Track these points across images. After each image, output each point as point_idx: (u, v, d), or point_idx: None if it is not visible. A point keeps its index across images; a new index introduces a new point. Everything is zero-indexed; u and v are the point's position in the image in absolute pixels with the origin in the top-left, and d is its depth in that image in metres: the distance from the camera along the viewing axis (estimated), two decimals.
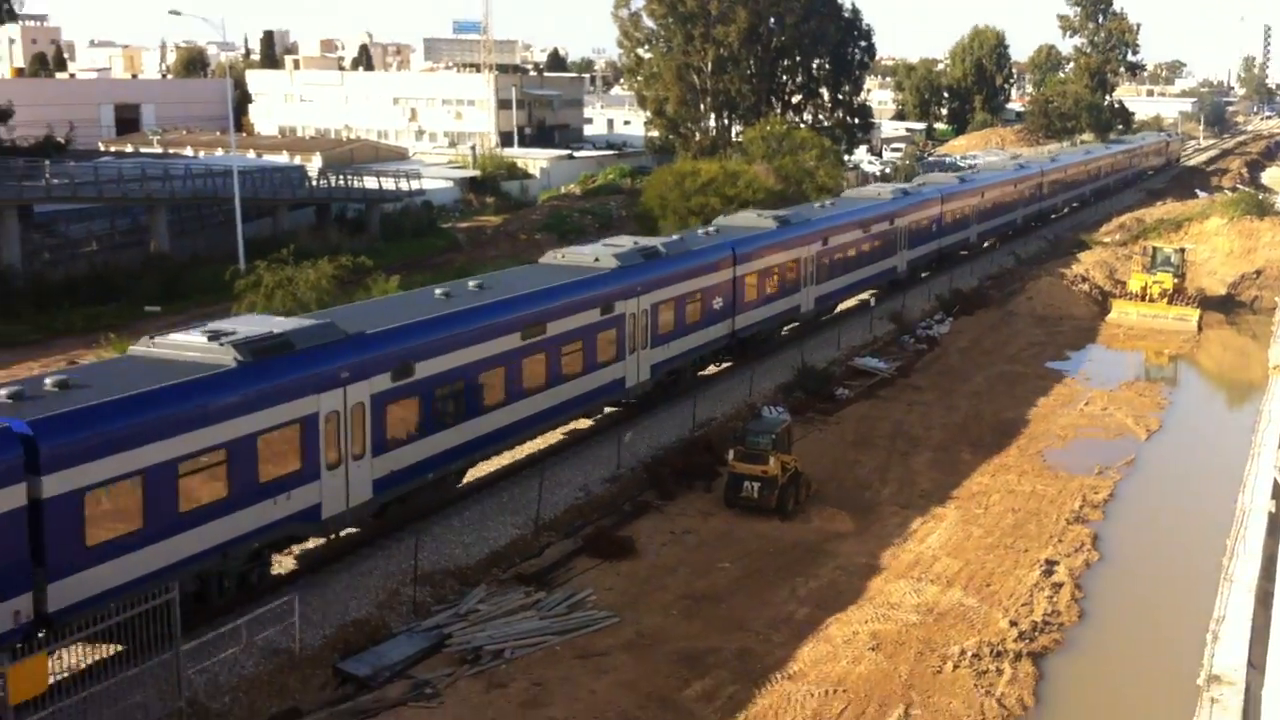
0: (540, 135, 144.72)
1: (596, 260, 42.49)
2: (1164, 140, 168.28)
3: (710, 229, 52.94)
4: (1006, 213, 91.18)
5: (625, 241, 46.14)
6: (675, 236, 51.24)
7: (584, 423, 42.61)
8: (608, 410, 43.49)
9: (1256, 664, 21.13)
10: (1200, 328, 66.74)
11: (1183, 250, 73.98)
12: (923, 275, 74.22)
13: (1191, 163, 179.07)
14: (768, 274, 52.66)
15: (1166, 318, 67.03)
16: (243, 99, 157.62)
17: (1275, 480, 29.22)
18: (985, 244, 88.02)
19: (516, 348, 35.63)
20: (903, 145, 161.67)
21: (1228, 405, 58.26)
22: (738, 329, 50.27)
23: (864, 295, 65.75)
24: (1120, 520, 38.67)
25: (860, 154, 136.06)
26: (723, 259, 49.00)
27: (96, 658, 23.57)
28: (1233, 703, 20.33)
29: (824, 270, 58.40)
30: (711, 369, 51.07)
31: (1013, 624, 30.21)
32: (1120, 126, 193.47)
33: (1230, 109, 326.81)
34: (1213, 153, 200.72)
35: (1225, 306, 72.62)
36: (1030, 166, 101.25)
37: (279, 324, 30.35)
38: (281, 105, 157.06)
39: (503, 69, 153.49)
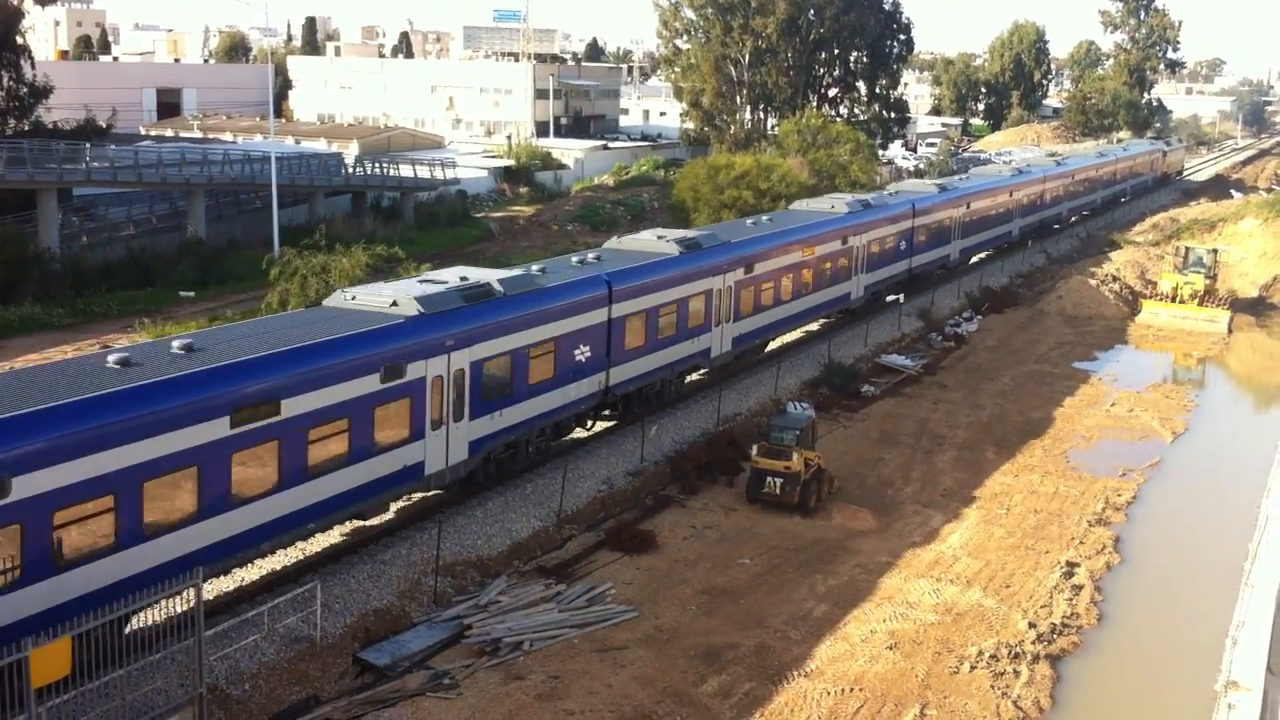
0: (576, 125, 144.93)
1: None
2: (1157, 150, 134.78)
3: None
4: (831, 284, 55.88)
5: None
6: None
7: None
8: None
9: (1275, 670, 21.10)
10: (1230, 330, 66.46)
11: (1215, 251, 73.68)
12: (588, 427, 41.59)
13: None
14: None
15: (1196, 319, 66.75)
16: (283, 85, 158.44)
17: None
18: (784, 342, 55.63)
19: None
20: (938, 141, 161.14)
21: (1255, 408, 58.07)
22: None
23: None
24: (1143, 523, 38.63)
25: (895, 149, 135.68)
26: None
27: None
28: (1250, 709, 20.33)
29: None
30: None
31: (1031, 625, 30.24)
32: (1159, 124, 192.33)
33: (1269, 108, 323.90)
34: (1249, 153, 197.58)
35: (1256, 309, 72.17)
36: (892, 205, 63.62)
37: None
38: (321, 92, 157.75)
39: (541, 58, 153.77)
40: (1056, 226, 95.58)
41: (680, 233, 47.01)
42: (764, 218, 55.74)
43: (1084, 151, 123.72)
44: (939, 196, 69.89)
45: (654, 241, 44.30)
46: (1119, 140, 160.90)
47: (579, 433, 40.35)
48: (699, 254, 44.42)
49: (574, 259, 41.40)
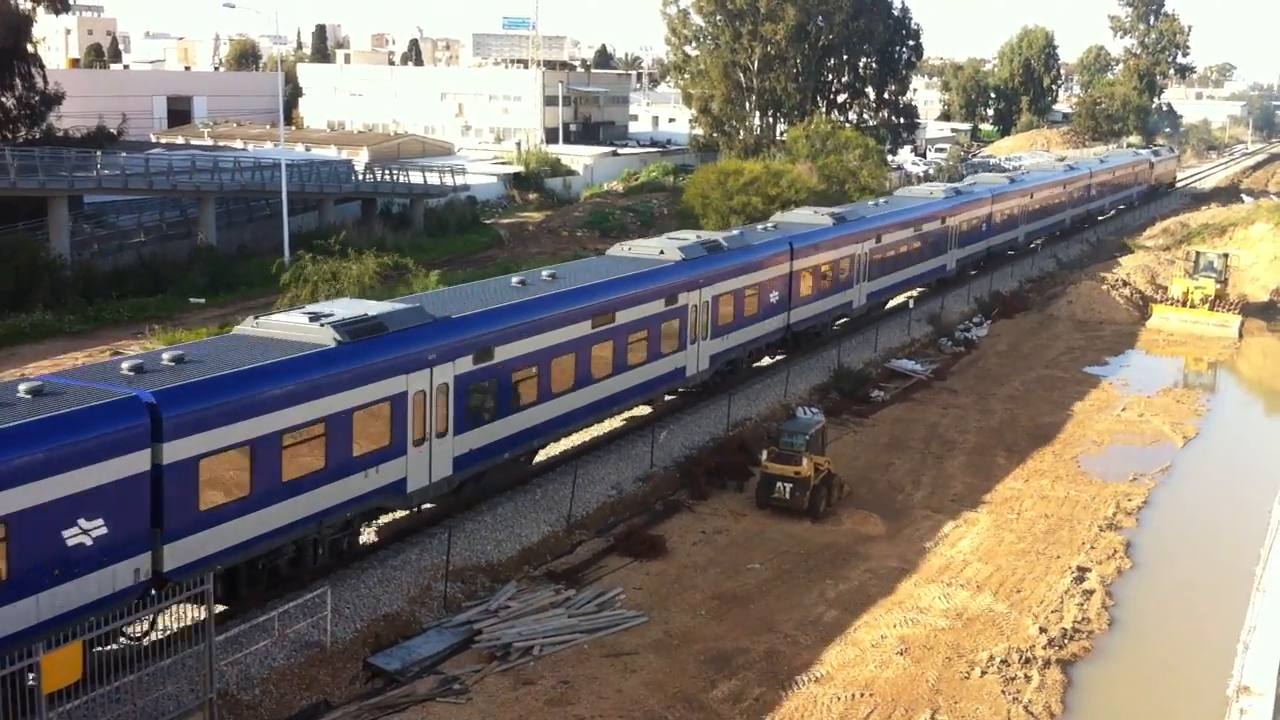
0: (585, 131, 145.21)
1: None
2: (1143, 161, 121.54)
3: None
4: (651, 359, 41.57)
5: None
6: None
7: (617, 421, 42.87)
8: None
9: None
10: (1241, 334, 66.37)
11: (1226, 255, 73.52)
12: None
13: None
14: None
15: (1207, 323, 66.66)
16: (294, 92, 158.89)
17: None
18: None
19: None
20: (947, 146, 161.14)
21: (1266, 413, 57.91)
22: None
23: None
24: (1154, 528, 38.55)
25: (904, 154, 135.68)
26: None
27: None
28: (1261, 713, 20.36)
29: None
30: None
31: (1042, 631, 30.21)
32: (1168, 130, 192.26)
33: None
34: (1260, 158, 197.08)
35: (1267, 313, 72.03)
36: (759, 246, 49.22)
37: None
38: (331, 99, 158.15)
39: (550, 65, 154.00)
40: (1011, 253, 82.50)
41: (360, 308, 32.03)
42: (544, 272, 40.22)
43: (1047, 166, 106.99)
44: (832, 231, 55.44)
45: (303, 327, 29.89)
46: (1129, 145, 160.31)
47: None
48: (378, 343, 30.32)
49: (128, 363, 26.63)
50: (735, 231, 51.60)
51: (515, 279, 38.82)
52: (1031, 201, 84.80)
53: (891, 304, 64.50)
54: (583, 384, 37.84)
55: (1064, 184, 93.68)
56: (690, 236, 47.46)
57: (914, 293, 65.74)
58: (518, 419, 35.05)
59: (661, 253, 44.16)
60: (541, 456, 39.04)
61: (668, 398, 45.15)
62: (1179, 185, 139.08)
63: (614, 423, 42.56)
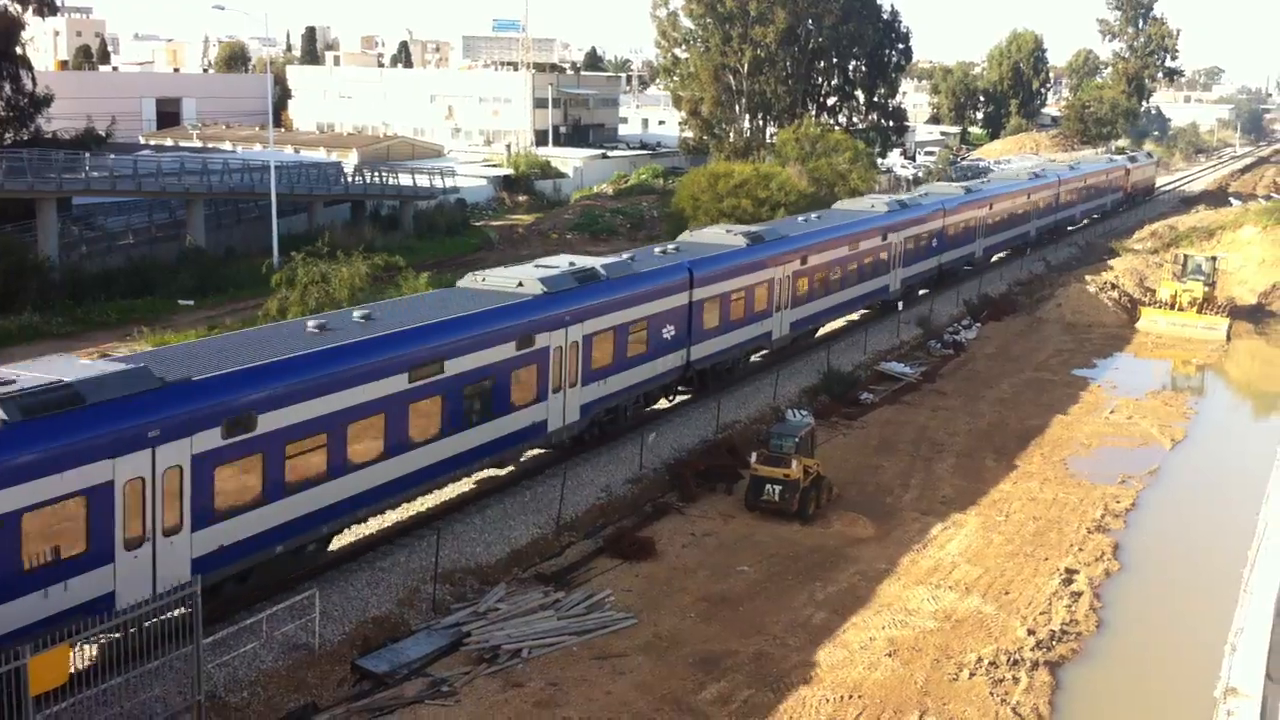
0: (575, 134, 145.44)
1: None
2: (1118, 168, 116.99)
3: None
4: (502, 411, 35.12)
5: None
6: None
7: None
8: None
9: (1274, 677, 21.08)
10: (1229, 337, 66.55)
11: (1214, 258, 73.71)
12: None
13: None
14: None
15: (1195, 326, 66.85)
16: (283, 95, 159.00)
17: None
18: None
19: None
20: (937, 149, 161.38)
21: (1254, 415, 58.05)
22: None
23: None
24: (1142, 530, 38.60)
25: (894, 157, 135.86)
26: None
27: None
28: (1249, 716, 20.33)
29: None
30: None
31: (1030, 632, 30.22)
32: (1157, 133, 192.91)
33: (1268, 116, 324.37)
34: (1248, 161, 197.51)
35: (1255, 316, 72.26)
36: (649, 275, 42.89)
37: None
38: (321, 101, 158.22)
39: (540, 68, 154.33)
40: (968, 268, 77.50)
41: (56, 372, 24.56)
42: (355, 313, 33.63)
43: (1011, 174, 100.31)
44: (745, 254, 49.42)
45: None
46: (1118, 149, 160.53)
47: None
48: (68, 420, 23.31)
49: None
50: (624, 257, 45.51)
51: (312, 323, 31.90)
52: (991, 213, 79.51)
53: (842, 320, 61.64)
54: (396, 451, 31.12)
55: (1029, 193, 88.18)
56: (561, 264, 40.84)
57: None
58: (295, 502, 28.13)
59: (519, 285, 37.45)
60: (526, 461, 39.06)
61: (533, 453, 39.05)
62: (1158, 192, 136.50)
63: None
